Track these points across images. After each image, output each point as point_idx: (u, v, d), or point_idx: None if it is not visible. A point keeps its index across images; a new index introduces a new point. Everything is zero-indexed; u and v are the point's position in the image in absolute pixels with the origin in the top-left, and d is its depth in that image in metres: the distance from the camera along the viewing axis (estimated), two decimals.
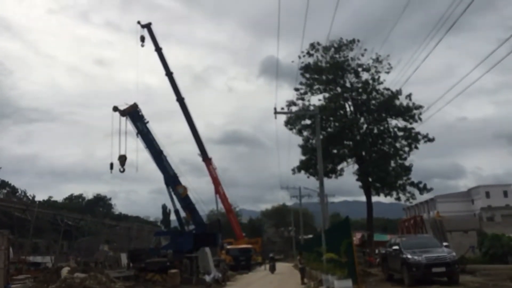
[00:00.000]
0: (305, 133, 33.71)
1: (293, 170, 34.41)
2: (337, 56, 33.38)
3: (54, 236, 41.51)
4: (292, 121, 33.72)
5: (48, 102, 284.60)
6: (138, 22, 40.41)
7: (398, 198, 32.00)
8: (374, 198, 33.48)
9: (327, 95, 33.86)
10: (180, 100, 41.62)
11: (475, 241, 27.55)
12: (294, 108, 33.71)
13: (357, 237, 37.77)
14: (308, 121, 33.05)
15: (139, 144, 31.79)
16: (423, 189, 31.63)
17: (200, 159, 44.46)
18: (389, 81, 32.64)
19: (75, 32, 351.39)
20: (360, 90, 33.08)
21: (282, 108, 32.47)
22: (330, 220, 41.97)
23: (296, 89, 33.93)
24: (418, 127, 31.77)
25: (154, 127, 32.69)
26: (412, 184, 31.53)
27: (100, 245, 41.67)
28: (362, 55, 33.04)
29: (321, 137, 28.47)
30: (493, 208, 69.08)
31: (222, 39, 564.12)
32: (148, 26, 40.64)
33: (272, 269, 32.11)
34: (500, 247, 24.64)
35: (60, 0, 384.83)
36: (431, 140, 31.78)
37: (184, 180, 33.09)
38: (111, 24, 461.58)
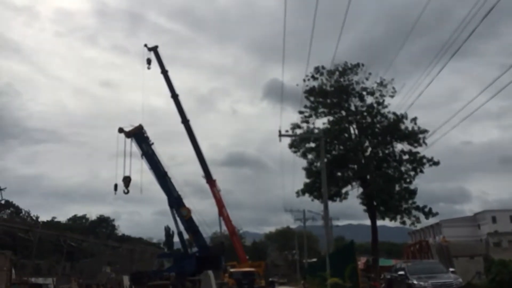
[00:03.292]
0: (309, 156, 33.70)
1: (297, 193, 34.27)
2: (341, 79, 33.57)
3: (56, 257, 41.27)
4: (297, 144, 33.75)
5: (55, 123, 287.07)
6: (145, 45, 41.07)
7: (403, 222, 31.72)
8: (379, 222, 33.19)
9: (331, 118, 33.95)
10: (185, 122, 41.87)
11: (482, 267, 27.14)
12: (298, 131, 33.76)
13: (361, 261, 37.31)
14: (312, 144, 33.07)
15: (144, 165, 32.01)
16: (429, 213, 31.35)
17: (204, 181, 44.42)
18: (394, 105, 32.75)
19: (82, 55, 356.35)
20: (364, 113, 33.15)
21: (287, 131, 32.62)
22: (334, 243, 41.61)
23: (301, 112, 34.06)
24: (423, 151, 31.72)
25: (159, 149, 33.00)
26: (417, 208, 31.29)
27: (103, 267, 41.37)
28: (367, 79, 33.23)
29: (325, 160, 28.45)
30: (499, 234, 68.25)
31: (227, 62, 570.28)
32: (155, 49, 41.26)
33: None
34: (507, 274, 24.20)
35: (68, 24, 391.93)
36: (436, 163, 31.65)
37: (188, 202, 33.21)
38: (118, 47, 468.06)
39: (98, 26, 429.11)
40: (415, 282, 17.12)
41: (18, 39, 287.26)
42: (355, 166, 32.75)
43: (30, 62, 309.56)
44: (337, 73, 33.59)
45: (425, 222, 35.17)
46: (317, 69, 33.87)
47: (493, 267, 25.12)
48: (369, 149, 33.07)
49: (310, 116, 34.08)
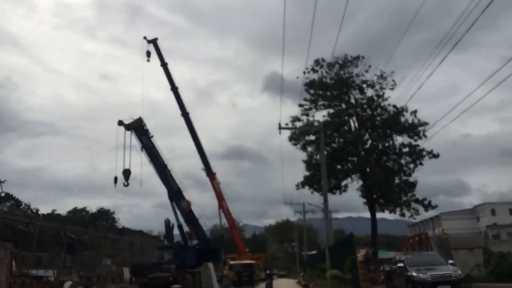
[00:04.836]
0: (309, 149, 33.76)
1: (297, 185, 34.38)
2: (341, 72, 33.53)
3: (57, 250, 41.35)
4: (296, 137, 33.78)
5: (54, 116, 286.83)
6: (145, 38, 40.84)
7: (403, 214, 31.85)
8: (379, 215, 33.35)
9: (331, 111, 33.96)
10: (185, 115, 41.76)
11: (481, 259, 27.22)
12: (298, 124, 33.80)
13: (361, 253, 37.42)
14: (312, 137, 33.10)
15: (144, 158, 31.93)
16: (428, 206, 31.46)
17: (204, 173, 44.42)
18: (394, 97, 32.77)
19: (81, 47, 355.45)
20: (364, 106, 33.15)
21: (287, 124, 32.63)
22: (334, 236, 41.64)
23: (301, 105, 34.06)
24: (423, 143, 31.75)
25: (159, 142, 32.87)
26: (417, 200, 31.39)
27: (103, 259, 41.49)
28: (367, 71, 33.22)
29: (325, 152, 28.46)
30: (498, 226, 68.43)
31: (226, 55, 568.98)
32: (154, 42, 41.05)
33: None
34: (506, 266, 24.29)
35: (67, 16, 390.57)
36: (435, 156, 31.70)
37: (187, 194, 33.09)
38: (117, 39, 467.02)
39: (97, 18, 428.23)
40: (414, 274, 17.17)
41: (16, 31, 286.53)
42: (355, 159, 32.79)
43: (29, 55, 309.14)
44: (337, 65, 33.54)
45: (424, 214, 35.33)
46: (317, 62, 33.82)
47: (492, 259, 25.20)
48: (369, 142, 33.09)
49: (310, 109, 34.08)
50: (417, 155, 31.60)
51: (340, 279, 16.32)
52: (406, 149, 31.99)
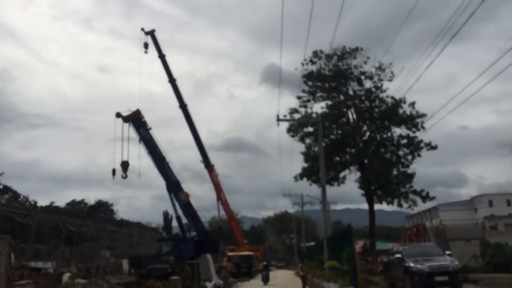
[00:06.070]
0: (307, 141, 33.77)
1: (295, 177, 34.45)
2: (340, 64, 33.46)
3: (55, 242, 41.42)
4: (295, 129, 33.77)
5: (51, 108, 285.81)
6: (142, 29, 40.65)
7: (400, 206, 32.00)
8: (377, 206, 33.48)
9: (329, 102, 33.96)
10: (183, 106, 41.72)
11: (478, 250, 27.41)
12: (296, 116, 33.80)
13: (359, 245, 37.61)
14: (310, 129, 33.10)
15: (142, 150, 31.88)
16: (426, 197, 31.59)
17: (202, 165, 44.48)
18: (392, 89, 32.76)
19: (78, 39, 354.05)
20: (363, 97, 33.14)
21: (285, 116, 32.62)
22: (332, 227, 41.80)
23: (299, 97, 34.03)
24: (421, 135, 31.80)
25: (157, 134, 32.75)
26: (415, 192, 31.51)
27: (102, 251, 41.60)
28: (365, 63, 33.16)
29: (323, 144, 28.49)
30: (496, 217, 68.75)
31: (225, 47, 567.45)
32: (151, 33, 40.87)
33: (266, 280, 29.41)
34: (503, 256, 24.52)
35: (64, 7, 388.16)
36: (434, 147, 31.78)
37: (186, 186, 33.10)
38: (115, 31, 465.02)
39: (94, 9, 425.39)
40: (411, 265, 17.24)
41: (13, 23, 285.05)
42: (353, 151, 32.84)
43: (26, 46, 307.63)
44: (335, 57, 33.46)
45: (422, 206, 35.50)
46: (315, 53, 33.74)
47: (489, 250, 25.41)
48: (367, 134, 33.13)
49: (308, 100, 34.05)
50: (415, 147, 31.66)
51: (338, 270, 16.39)
52: (404, 141, 32.06)
